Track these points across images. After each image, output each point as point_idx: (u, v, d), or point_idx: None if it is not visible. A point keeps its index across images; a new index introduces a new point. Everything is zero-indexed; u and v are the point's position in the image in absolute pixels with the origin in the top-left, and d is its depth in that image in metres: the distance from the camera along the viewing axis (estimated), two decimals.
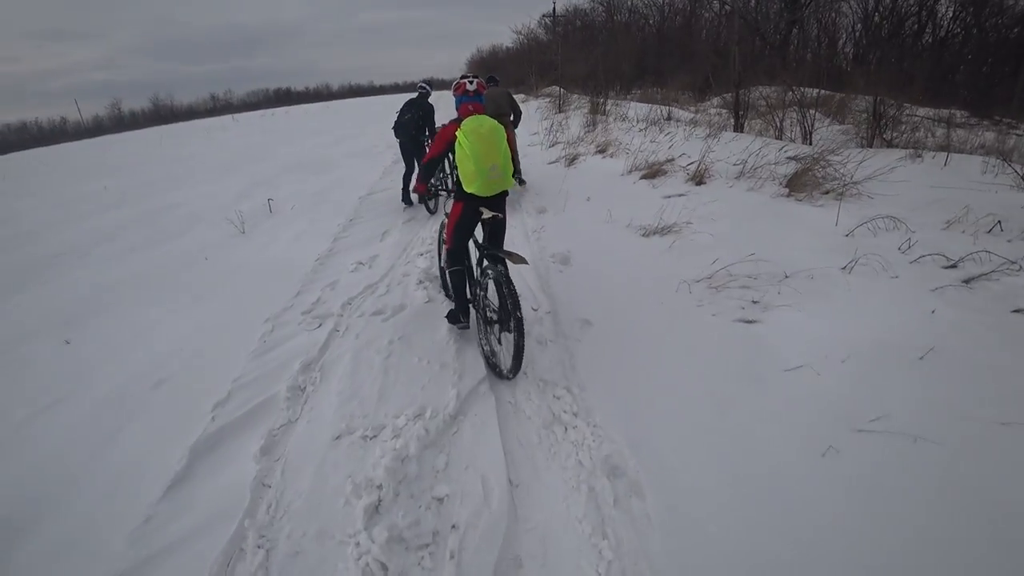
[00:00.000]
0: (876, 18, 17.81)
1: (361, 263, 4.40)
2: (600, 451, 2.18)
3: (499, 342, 2.82)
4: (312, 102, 78.75)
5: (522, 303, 2.70)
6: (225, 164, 12.50)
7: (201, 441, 2.47)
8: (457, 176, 2.76)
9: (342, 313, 3.56)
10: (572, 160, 7.26)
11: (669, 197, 5.31)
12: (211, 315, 3.83)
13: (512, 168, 2.72)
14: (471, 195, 2.68)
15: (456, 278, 2.97)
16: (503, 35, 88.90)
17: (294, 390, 2.82)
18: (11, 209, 10.19)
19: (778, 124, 8.59)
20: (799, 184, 5.11)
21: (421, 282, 3.88)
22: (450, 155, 2.95)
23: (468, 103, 2.95)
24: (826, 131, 8.36)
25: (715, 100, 16.15)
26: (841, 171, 5.01)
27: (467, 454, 2.26)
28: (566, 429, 2.36)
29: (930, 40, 16.14)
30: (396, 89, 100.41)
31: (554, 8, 27.80)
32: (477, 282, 2.96)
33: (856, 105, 9.35)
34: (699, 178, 5.64)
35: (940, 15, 16.10)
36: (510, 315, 2.52)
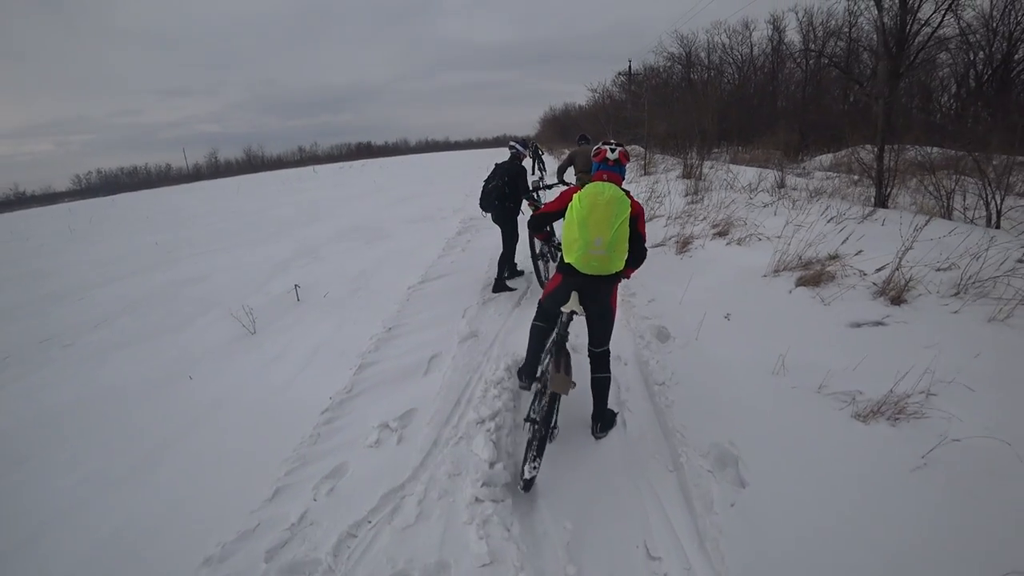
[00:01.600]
0: (983, 68, 15.71)
1: (388, 427, 2.78)
2: None
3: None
4: (390, 155, 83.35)
5: None
6: (281, 222, 11.79)
7: None
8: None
9: (333, 567, 1.95)
10: (684, 245, 5.47)
11: (860, 326, 3.43)
12: (132, 523, 2.33)
13: (623, 253, 2.41)
14: (569, 267, 2.46)
15: (535, 334, 2.72)
16: (576, 95, 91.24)
17: None
18: (56, 263, 9.81)
19: (945, 198, 6.51)
20: None
21: (479, 500, 2.17)
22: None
23: (604, 171, 2.60)
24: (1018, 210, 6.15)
25: (822, 159, 13.99)
26: None
27: None
28: None
29: None
30: (470, 145, 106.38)
31: (630, 66, 26.87)
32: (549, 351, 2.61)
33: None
34: (896, 293, 3.74)
35: None
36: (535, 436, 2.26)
